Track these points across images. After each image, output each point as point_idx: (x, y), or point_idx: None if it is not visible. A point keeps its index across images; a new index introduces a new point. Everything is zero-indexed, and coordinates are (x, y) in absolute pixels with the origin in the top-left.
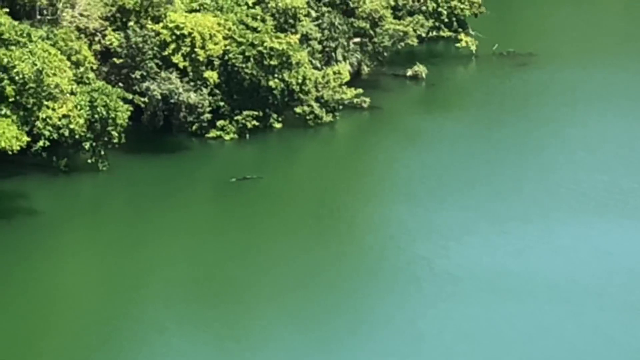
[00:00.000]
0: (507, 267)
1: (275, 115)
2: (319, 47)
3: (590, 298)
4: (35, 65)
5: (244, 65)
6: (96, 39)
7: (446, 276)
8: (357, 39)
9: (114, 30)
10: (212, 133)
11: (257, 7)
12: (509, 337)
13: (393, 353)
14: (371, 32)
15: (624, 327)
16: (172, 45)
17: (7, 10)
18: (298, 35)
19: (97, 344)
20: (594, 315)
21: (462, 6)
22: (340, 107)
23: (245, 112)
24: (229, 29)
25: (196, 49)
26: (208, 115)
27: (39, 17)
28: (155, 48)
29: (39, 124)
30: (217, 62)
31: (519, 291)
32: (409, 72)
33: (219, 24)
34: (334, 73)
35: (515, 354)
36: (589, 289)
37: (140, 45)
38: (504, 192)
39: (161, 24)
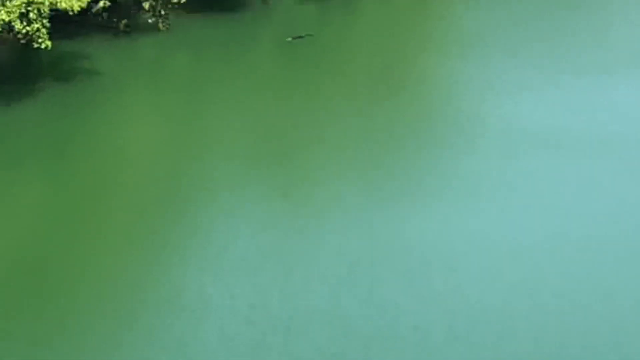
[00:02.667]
0: (561, 124)
1: None
2: None
3: None
4: None
5: None
6: None
7: (499, 132)
8: None
9: None
10: None
11: None
12: (564, 194)
13: (447, 210)
14: None
15: None
16: None
17: None
18: None
19: (161, 203)
20: None
21: None
22: None
23: None
24: None
25: None
26: None
27: None
28: None
29: None
30: None
31: (574, 147)
32: None
33: None
34: None
35: (570, 210)
36: None
37: None
38: (561, 48)
39: None
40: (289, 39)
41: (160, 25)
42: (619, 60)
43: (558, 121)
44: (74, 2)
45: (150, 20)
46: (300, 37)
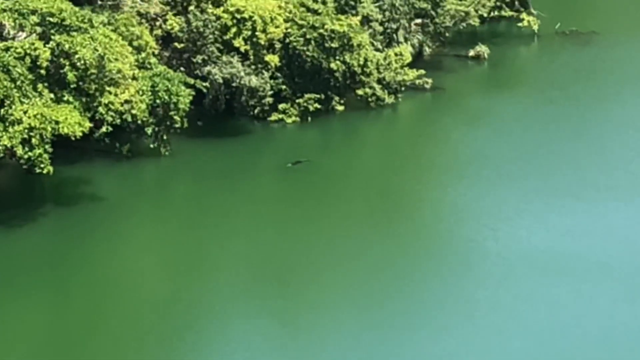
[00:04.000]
0: (558, 248)
1: (337, 98)
2: (380, 28)
3: None
4: (97, 51)
5: (305, 48)
6: (157, 23)
7: (497, 257)
8: (419, 20)
9: (174, 14)
10: (274, 116)
11: None
12: (561, 318)
13: (445, 334)
14: (432, 12)
15: None
16: (233, 29)
17: None
18: (359, 17)
19: (161, 329)
20: None
21: None
22: (402, 88)
23: (307, 95)
24: (290, 12)
25: (257, 33)
26: (270, 99)
27: (100, 2)
28: (216, 32)
29: (101, 109)
30: (278, 46)
31: (571, 272)
32: (471, 53)
33: (279, 7)
34: (396, 54)
35: (568, 334)
36: None
37: (201, 29)
38: (560, 173)
39: (222, 8)
40: (289, 164)
41: (162, 150)
42: (616, 184)
43: (556, 246)
44: (76, 127)
45: (152, 145)
46: (300, 162)
